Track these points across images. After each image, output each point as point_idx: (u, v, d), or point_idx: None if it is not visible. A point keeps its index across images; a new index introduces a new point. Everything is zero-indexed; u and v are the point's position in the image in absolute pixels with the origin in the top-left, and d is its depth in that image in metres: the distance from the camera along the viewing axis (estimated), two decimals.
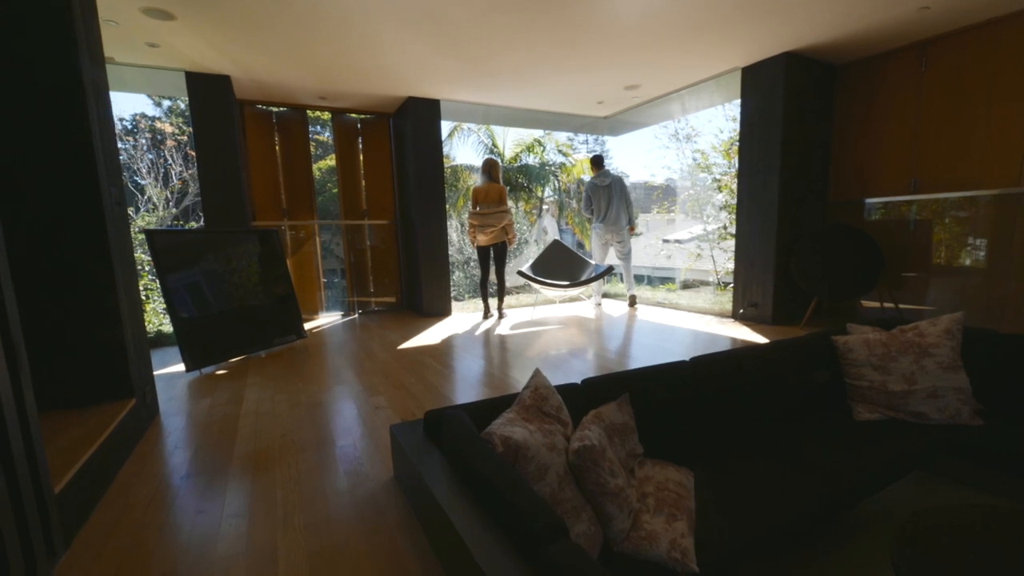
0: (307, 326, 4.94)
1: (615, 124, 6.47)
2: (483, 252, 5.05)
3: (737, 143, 6.51)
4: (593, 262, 5.44)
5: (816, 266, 4.02)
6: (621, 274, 5.75)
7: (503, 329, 4.54)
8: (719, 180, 6.70)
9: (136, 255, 4.62)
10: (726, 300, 5.59)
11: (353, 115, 5.59)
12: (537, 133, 14.15)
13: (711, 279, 7.06)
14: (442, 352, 3.70)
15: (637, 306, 5.73)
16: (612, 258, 5.79)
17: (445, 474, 1.38)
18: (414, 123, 5.07)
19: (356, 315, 5.64)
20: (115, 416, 1.95)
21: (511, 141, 14.19)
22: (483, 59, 4.07)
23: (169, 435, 2.23)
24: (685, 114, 6.70)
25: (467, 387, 2.82)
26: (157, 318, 5.53)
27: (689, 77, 4.65)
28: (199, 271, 3.48)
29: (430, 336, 4.29)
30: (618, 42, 3.78)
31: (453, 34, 3.57)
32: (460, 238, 11.59)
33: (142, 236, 6.24)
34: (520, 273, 4.97)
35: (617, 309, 5.52)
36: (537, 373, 1.71)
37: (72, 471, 1.54)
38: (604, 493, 1.32)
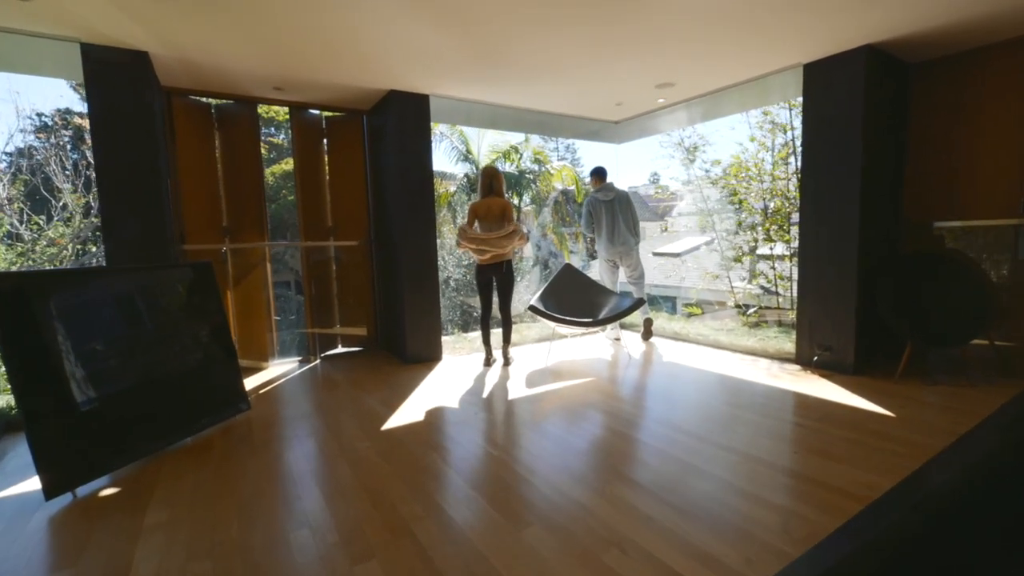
0: (253, 381, 3.79)
1: (623, 131, 5.63)
2: (484, 282, 4.05)
3: (758, 156, 5.80)
4: (616, 292, 4.55)
5: (914, 301, 3.25)
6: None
7: (515, 385, 3.55)
8: (737, 194, 5.97)
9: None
10: (772, 335, 4.76)
11: (317, 111, 4.49)
12: (515, 139, 13.29)
13: (728, 301, 6.30)
14: (446, 436, 2.67)
15: (653, 338, 4.88)
16: (621, 277, 4.95)
17: None
18: (397, 123, 4.03)
19: (317, 360, 4.51)
20: None
21: (486, 147, 13.27)
22: (493, 46, 3.12)
23: None
24: (699, 121, 5.95)
25: (508, 519, 1.82)
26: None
27: (734, 75, 3.85)
28: (81, 330, 2.32)
29: (422, 401, 3.25)
30: (662, 25, 2.92)
31: (460, 9, 2.61)
32: (443, 255, 10.57)
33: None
34: (532, 308, 4.01)
35: (639, 345, 4.63)
36: None
37: None
38: None
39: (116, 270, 2.64)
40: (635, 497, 1.95)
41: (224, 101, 4.09)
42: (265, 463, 2.37)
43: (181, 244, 3.94)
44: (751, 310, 6.00)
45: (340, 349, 4.75)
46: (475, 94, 4.16)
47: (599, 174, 4.76)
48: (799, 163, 5.47)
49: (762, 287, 6.08)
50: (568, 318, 4.05)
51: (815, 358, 3.58)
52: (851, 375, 3.43)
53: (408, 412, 3.04)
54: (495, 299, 4.12)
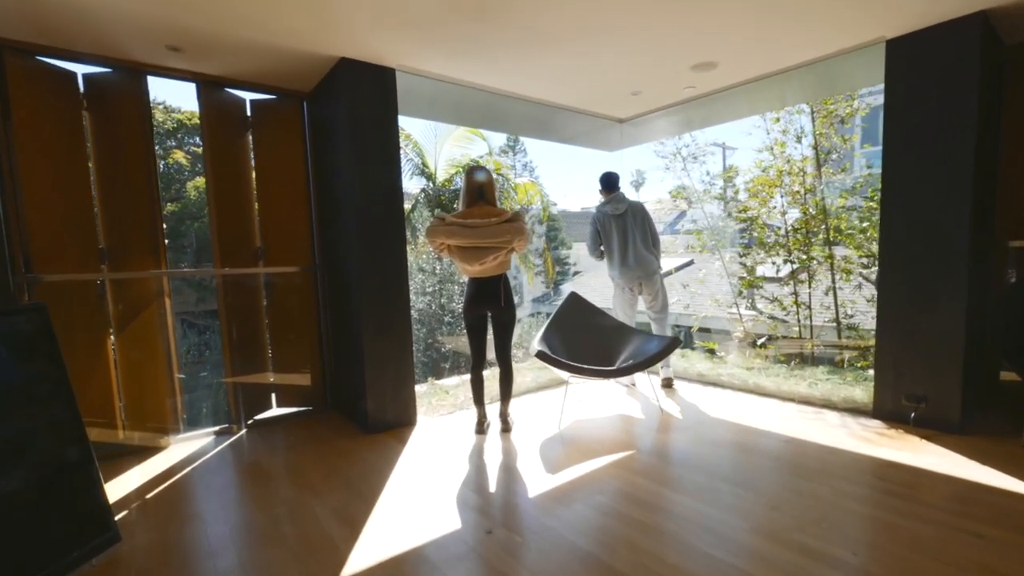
0: (141, 474, 2.53)
1: (625, 134, 4.81)
2: (476, 318, 3.01)
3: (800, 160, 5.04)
4: (637, 329, 3.63)
5: None
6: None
7: (527, 468, 2.51)
8: (746, 208, 5.30)
9: None
10: (822, 376, 3.82)
11: (239, 92, 3.34)
12: (475, 152, 12.37)
13: (737, 331, 5.56)
14: None
15: (676, 382, 4.02)
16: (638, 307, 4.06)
17: None
18: (352, 106, 2.97)
19: (243, 431, 3.28)
20: None
21: (444, 160, 12.26)
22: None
23: None
24: (699, 127, 5.27)
25: None
26: None
27: (792, 56, 3.09)
28: None
29: (398, 509, 2.15)
30: None
31: None
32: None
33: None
34: (540, 355, 3.01)
35: (661, 393, 3.71)
36: None
37: None
38: None
39: None
40: None
41: (98, 69, 2.87)
42: None
43: (27, 273, 2.66)
44: (761, 341, 5.30)
45: (275, 411, 3.54)
46: (457, 70, 3.17)
47: (608, 183, 3.86)
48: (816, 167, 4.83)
49: (771, 315, 5.41)
50: (587, 367, 3.08)
51: (912, 415, 2.80)
52: (959, 435, 2.67)
53: (380, 535, 1.94)
54: (490, 339, 3.09)
